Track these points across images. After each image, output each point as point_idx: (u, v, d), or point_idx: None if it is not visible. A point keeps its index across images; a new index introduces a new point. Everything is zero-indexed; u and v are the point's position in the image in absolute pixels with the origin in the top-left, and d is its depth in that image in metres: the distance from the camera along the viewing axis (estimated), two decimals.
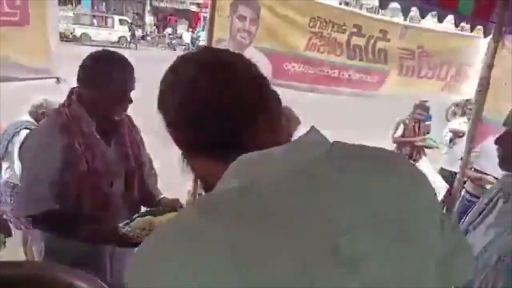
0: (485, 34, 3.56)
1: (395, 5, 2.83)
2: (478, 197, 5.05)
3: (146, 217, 1.54)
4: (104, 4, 29.96)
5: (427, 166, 4.44)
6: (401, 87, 3.74)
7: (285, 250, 0.51)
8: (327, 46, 3.31)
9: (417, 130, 5.78)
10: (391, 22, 3.56)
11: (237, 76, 0.65)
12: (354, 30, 3.36)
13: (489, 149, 3.94)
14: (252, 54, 3.06)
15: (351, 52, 3.43)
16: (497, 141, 1.35)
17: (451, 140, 5.30)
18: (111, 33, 23.03)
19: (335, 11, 3.32)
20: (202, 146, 0.64)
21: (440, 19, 3.35)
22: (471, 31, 3.65)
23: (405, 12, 3.14)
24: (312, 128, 0.67)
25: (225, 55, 0.70)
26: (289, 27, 3.12)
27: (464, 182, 5.89)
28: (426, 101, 5.74)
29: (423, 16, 3.19)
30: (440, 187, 4.02)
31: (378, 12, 7.68)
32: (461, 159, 3.90)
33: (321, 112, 10.36)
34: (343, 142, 0.68)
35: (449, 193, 3.69)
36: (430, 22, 4.49)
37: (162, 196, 1.89)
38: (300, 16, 3.13)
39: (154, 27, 30.21)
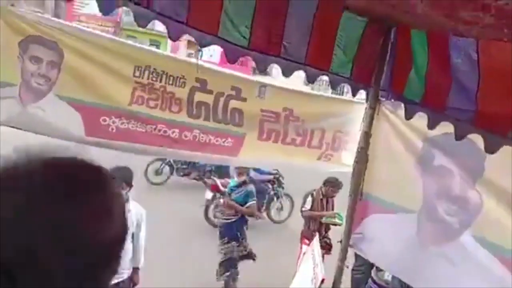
0: (367, 99, 3.18)
1: None
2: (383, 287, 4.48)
3: None
4: None
5: (308, 258, 3.87)
6: (264, 152, 3.21)
7: None
8: (159, 101, 2.78)
9: (325, 204, 5.27)
10: (245, 79, 3.10)
11: None
12: (197, 85, 2.87)
13: (370, 231, 3.41)
14: (52, 104, 2.48)
15: (194, 110, 2.91)
16: None
17: None
18: None
19: (171, 61, 2.84)
20: None
21: (310, 80, 2.92)
22: (353, 95, 3.26)
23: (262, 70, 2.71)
24: None
25: None
26: (105, 75, 2.58)
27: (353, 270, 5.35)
28: (337, 179, 5.27)
29: (286, 75, 2.77)
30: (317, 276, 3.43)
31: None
32: (340, 241, 3.36)
33: None
34: None
35: (322, 282, 3.14)
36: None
37: None
38: (120, 63, 2.62)
39: None
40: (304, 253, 4.79)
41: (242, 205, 4.87)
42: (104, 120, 2.65)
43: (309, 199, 5.34)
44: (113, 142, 2.73)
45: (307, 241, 4.80)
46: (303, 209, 5.41)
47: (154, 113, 2.78)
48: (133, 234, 3.29)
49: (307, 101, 3.34)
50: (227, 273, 4.82)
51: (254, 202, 4.86)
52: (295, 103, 3.23)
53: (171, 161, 9.43)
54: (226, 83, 2.95)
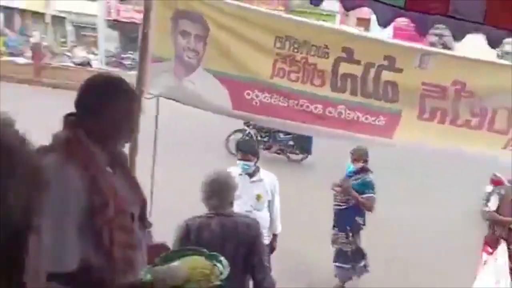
0: None
1: None
2: None
3: (165, 266, 1.56)
4: None
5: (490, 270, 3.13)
6: (426, 135, 2.68)
7: None
8: (301, 73, 2.60)
9: None
10: (401, 47, 2.61)
11: None
12: (343, 55, 2.57)
13: None
14: (201, 77, 2.61)
15: (339, 83, 2.62)
16: None
17: None
18: None
19: (313, 29, 2.60)
20: None
21: (493, 44, 2.33)
22: None
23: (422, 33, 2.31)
24: None
25: None
26: (246, 47, 2.56)
27: None
28: None
29: (457, 38, 2.30)
30: None
31: None
32: None
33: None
34: None
35: None
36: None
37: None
38: (261, 34, 2.54)
39: None
40: (484, 263, 3.93)
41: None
42: (248, 94, 2.65)
43: (495, 197, 4.30)
44: (257, 116, 2.71)
45: (489, 249, 3.90)
46: (486, 209, 4.41)
47: (296, 87, 2.63)
48: (269, 203, 3.31)
49: (487, 72, 2.63)
50: (336, 263, 4.27)
51: (374, 195, 4.04)
52: (469, 75, 2.58)
53: (252, 133, 9.16)
54: (377, 52, 2.56)
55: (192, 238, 2.30)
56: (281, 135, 9.21)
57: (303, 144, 9.21)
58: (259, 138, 9.34)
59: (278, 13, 2.76)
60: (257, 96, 2.65)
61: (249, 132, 9.25)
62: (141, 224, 1.63)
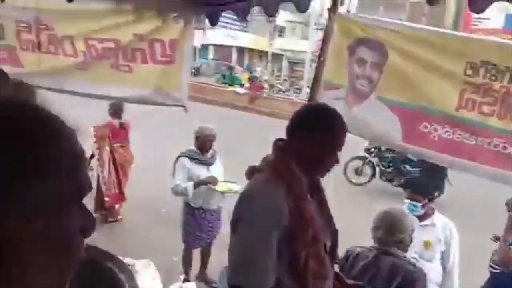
0: None
1: None
2: None
3: None
4: None
5: None
6: None
7: None
8: (497, 106, 2.11)
9: None
10: None
11: None
12: None
13: None
14: (372, 106, 2.47)
15: None
16: None
17: None
18: None
19: None
20: None
21: None
22: None
23: None
24: None
25: None
26: (430, 75, 2.25)
27: None
28: None
29: None
30: None
31: None
32: None
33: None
34: None
35: None
36: None
37: None
38: (449, 59, 2.20)
39: None
40: None
41: None
42: (425, 127, 2.33)
43: None
44: (433, 152, 2.36)
45: None
46: None
47: (490, 122, 2.16)
48: (441, 254, 2.74)
49: None
50: None
51: None
52: None
53: (373, 161, 8.48)
54: None
55: (348, 265, 2.25)
56: (407, 167, 7.96)
57: (431, 179, 7.65)
58: (381, 167, 8.45)
59: (475, 36, 2.36)
60: (435, 130, 2.30)
61: (370, 160, 8.51)
62: (331, 255, 1.59)
